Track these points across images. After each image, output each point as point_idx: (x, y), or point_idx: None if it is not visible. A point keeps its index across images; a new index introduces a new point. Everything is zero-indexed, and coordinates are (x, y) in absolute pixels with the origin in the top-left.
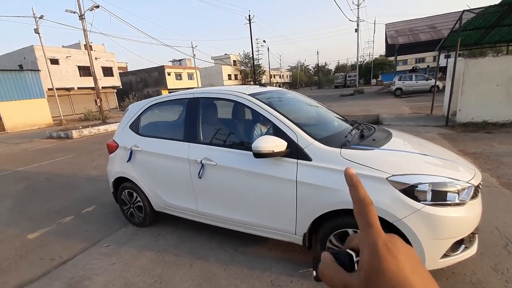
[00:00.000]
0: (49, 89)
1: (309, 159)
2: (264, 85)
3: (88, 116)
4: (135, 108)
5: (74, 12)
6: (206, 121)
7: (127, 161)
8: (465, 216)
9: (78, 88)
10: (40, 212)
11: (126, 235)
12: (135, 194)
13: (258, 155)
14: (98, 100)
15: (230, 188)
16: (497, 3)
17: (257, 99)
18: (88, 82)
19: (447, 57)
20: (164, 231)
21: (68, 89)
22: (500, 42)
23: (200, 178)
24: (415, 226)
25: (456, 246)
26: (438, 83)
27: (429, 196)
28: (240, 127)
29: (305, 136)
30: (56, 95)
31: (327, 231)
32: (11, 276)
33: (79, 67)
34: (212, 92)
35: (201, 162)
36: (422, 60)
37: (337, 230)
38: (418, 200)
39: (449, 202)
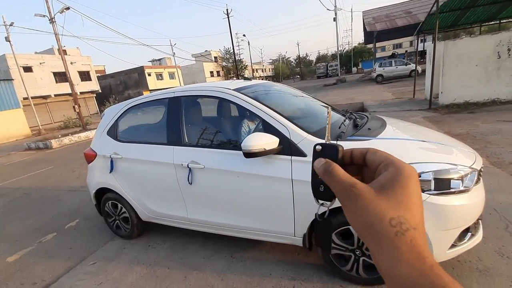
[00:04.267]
0: (24, 98)
1: (303, 154)
2: (249, 78)
3: (68, 124)
4: (112, 112)
5: (44, 16)
6: (190, 121)
7: (110, 172)
8: (471, 203)
9: (55, 95)
10: (19, 232)
11: (114, 250)
12: (119, 205)
13: (249, 154)
14: (76, 106)
15: (221, 192)
16: None
17: (243, 94)
18: (65, 88)
19: (423, 41)
20: (154, 242)
21: (44, 97)
22: (475, 22)
23: (191, 184)
24: None
25: (463, 234)
26: (417, 67)
27: (432, 185)
28: (228, 125)
29: (297, 131)
30: (32, 104)
31: (328, 230)
32: None
33: (55, 73)
34: (194, 89)
35: (188, 166)
36: (399, 45)
37: (339, 228)
38: (422, 191)
39: (453, 190)
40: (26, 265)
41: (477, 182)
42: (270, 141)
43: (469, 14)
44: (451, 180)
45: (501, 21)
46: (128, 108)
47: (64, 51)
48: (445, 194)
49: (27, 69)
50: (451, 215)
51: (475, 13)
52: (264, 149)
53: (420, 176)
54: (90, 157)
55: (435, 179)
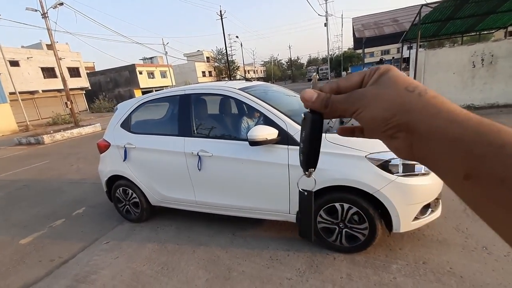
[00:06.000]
0: (10, 93)
1: (298, 144)
2: (250, 80)
3: (57, 120)
4: (125, 107)
5: (36, 10)
6: (199, 115)
7: (124, 160)
8: (430, 184)
9: (43, 91)
10: (27, 218)
11: (125, 231)
12: (130, 191)
13: (253, 143)
14: (68, 102)
15: (227, 176)
16: None
17: (247, 92)
18: (53, 84)
19: (410, 48)
20: (162, 224)
21: (32, 93)
22: (454, 33)
23: (200, 170)
24: (391, 195)
25: (424, 210)
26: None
27: (400, 169)
28: (232, 120)
29: (293, 124)
30: (20, 99)
31: (317, 207)
32: (12, 280)
33: (43, 69)
34: (203, 88)
35: (198, 154)
36: (387, 52)
37: (326, 205)
38: (392, 173)
39: (416, 173)
40: (41, 245)
41: None
42: (271, 132)
43: (449, 25)
44: (415, 165)
45: (481, 32)
46: (141, 104)
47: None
48: (410, 175)
49: (14, 63)
50: (414, 192)
51: (454, 24)
52: (266, 138)
53: (390, 162)
54: (103, 147)
55: (402, 164)
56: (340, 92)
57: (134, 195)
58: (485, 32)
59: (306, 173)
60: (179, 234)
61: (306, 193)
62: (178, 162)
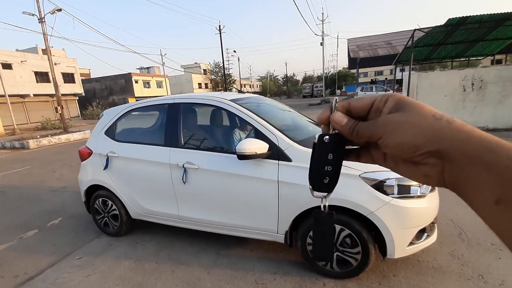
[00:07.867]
0: (0, 96)
1: (289, 160)
2: (242, 92)
3: (46, 125)
4: (111, 113)
5: (33, 15)
6: (187, 126)
7: (104, 169)
8: (426, 207)
9: (35, 95)
10: None
11: (101, 246)
12: (110, 202)
13: (242, 156)
14: (59, 107)
15: (213, 191)
16: (442, 23)
17: (238, 104)
18: (46, 88)
19: (402, 70)
20: (141, 239)
21: (22, 96)
22: (445, 58)
23: (185, 183)
24: (385, 217)
25: (420, 234)
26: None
27: (396, 190)
28: (221, 132)
29: (285, 139)
30: (9, 102)
31: (307, 227)
32: None
33: (36, 73)
34: (193, 97)
35: (183, 166)
36: (380, 73)
37: None
38: (387, 194)
39: (412, 195)
40: (6, 259)
41: (432, 190)
42: (261, 146)
43: (440, 50)
44: (411, 187)
45: (470, 58)
46: (128, 111)
47: (50, 51)
48: (405, 198)
49: (7, 66)
50: (410, 215)
51: (445, 49)
52: (256, 152)
53: (385, 182)
54: (85, 155)
55: (398, 185)
56: (350, 111)
57: (114, 207)
58: (474, 58)
59: (328, 194)
60: (159, 251)
61: (325, 213)
62: (162, 173)
